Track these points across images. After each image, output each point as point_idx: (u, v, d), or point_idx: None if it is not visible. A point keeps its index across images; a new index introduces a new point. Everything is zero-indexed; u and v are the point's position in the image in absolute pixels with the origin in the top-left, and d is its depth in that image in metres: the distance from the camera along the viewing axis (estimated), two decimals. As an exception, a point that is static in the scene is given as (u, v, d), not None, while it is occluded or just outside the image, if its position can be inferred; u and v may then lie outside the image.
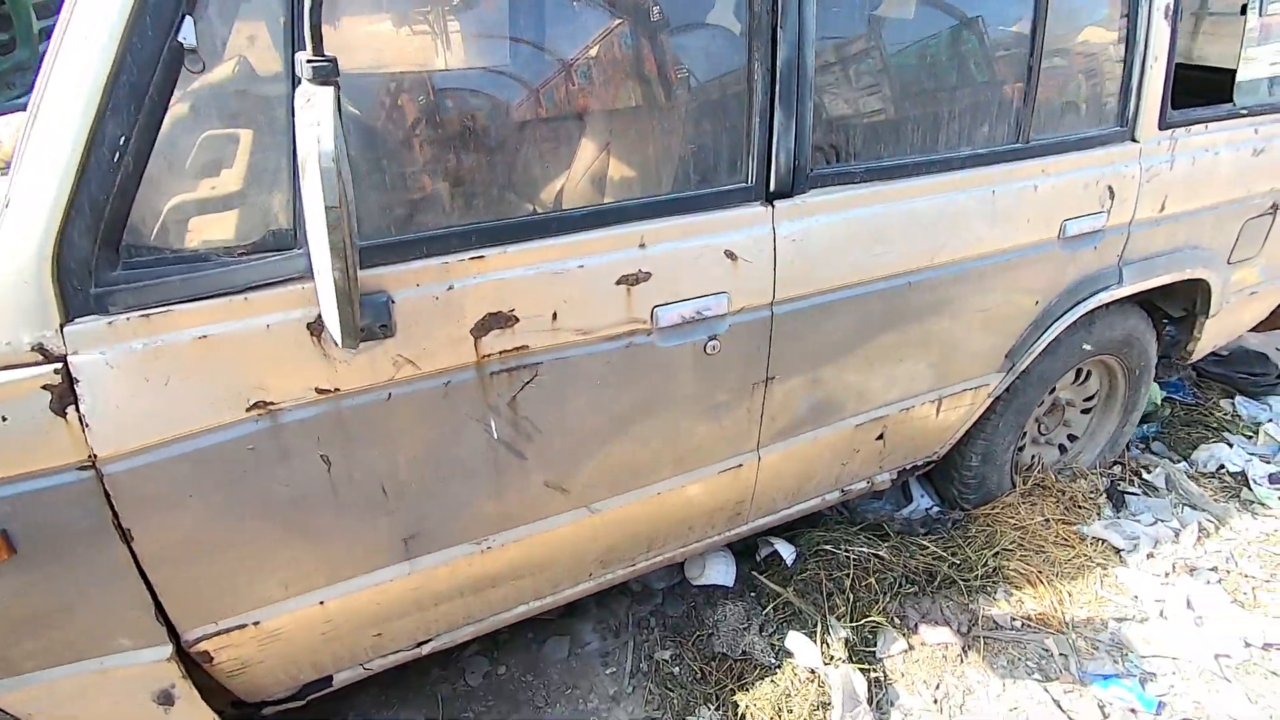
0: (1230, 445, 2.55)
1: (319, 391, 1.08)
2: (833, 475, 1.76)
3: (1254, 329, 2.58)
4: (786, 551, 1.90)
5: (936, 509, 2.15)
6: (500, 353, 1.18)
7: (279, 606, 1.19)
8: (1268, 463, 2.48)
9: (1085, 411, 2.30)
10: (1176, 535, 2.12)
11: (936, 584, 1.85)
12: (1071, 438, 2.34)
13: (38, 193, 0.90)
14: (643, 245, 1.23)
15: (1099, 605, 1.88)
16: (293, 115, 0.90)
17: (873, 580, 1.78)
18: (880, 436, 1.74)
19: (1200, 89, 2.00)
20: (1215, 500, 2.28)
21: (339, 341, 0.88)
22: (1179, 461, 2.49)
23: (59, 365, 0.92)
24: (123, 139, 0.91)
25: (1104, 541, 2.06)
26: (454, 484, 1.25)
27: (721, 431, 1.47)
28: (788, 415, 1.53)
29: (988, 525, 2.04)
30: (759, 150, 1.28)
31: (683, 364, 1.34)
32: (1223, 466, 2.46)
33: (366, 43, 1.19)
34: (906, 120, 1.44)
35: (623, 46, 1.28)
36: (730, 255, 1.30)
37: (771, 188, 1.31)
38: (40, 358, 0.91)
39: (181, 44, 0.90)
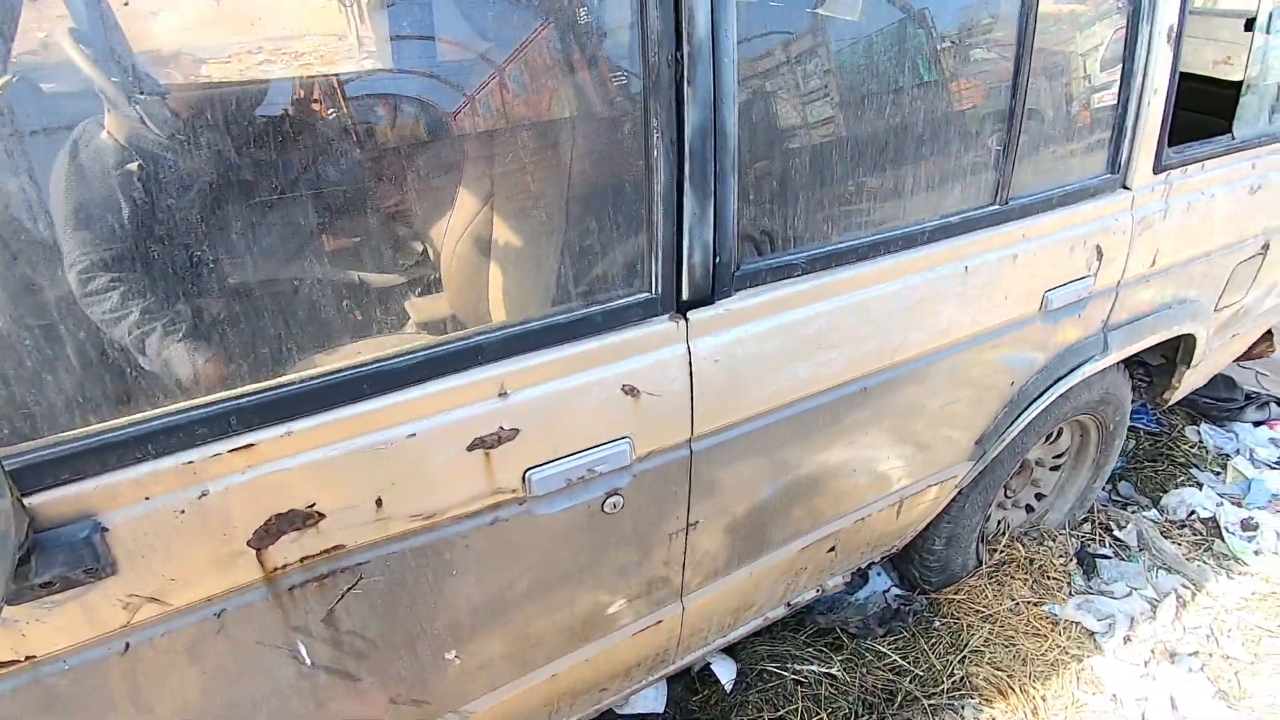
0: (1200, 486, 2.37)
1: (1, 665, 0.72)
2: (776, 596, 1.47)
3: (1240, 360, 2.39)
4: (725, 673, 1.62)
5: (896, 593, 1.90)
6: (302, 560, 0.83)
7: None
8: (1239, 505, 2.31)
9: (1054, 469, 2.06)
10: (1153, 609, 1.92)
11: (898, 704, 1.59)
12: (1039, 496, 2.11)
13: None
14: (504, 394, 0.88)
15: (1076, 712, 1.66)
16: None
17: (824, 715, 1.51)
18: (832, 549, 1.45)
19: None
20: (1189, 559, 2.09)
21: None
22: (1149, 508, 2.30)
23: None
24: None
25: (1077, 625, 1.84)
26: (253, 729, 0.90)
27: (632, 592, 1.15)
28: (717, 558, 1.22)
29: (952, 617, 1.79)
30: (665, 249, 0.94)
31: (574, 529, 1.01)
32: (1194, 513, 2.28)
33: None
34: (861, 188, 1.11)
35: (466, 106, 0.91)
36: (631, 391, 0.96)
37: (684, 295, 0.97)
38: None
39: None
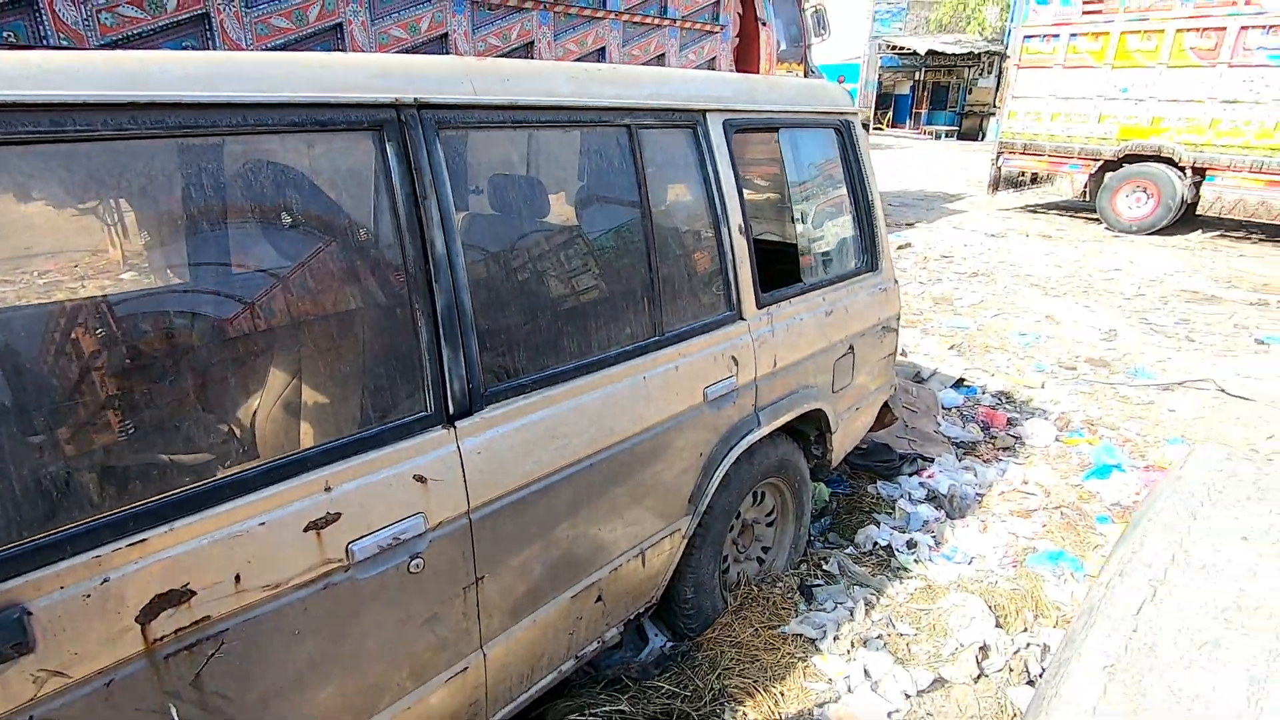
0: (879, 524, 3.22)
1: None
2: (563, 647, 1.87)
3: (873, 431, 3.36)
4: (536, 732, 1.94)
5: (670, 645, 2.37)
6: (176, 632, 1.13)
7: None
8: (904, 532, 3.18)
9: (770, 525, 2.75)
10: (852, 613, 2.59)
11: (674, 721, 2.02)
12: (765, 549, 2.76)
13: None
14: (328, 489, 1.29)
15: (805, 697, 2.20)
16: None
17: (617, 739, 1.89)
18: (599, 599, 1.91)
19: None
20: (874, 575, 2.84)
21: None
22: (846, 547, 3.07)
23: None
24: None
25: (800, 636, 2.44)
26: (128, 794, 1.11)
27: (441, 641, 1.51)
28: (505, 606, 1.63)
29: (710, 650, 2.30)
30: (434, 382, 1.45)
31: (388, 588, 1.39)
32: (876, 543, 3.09)
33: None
34: (563, 334, 1.73)
35: (286, 296, 1.39)
36: (420, 479, 1.41)
37: (451, 411, 1.48)
38: None
39: None
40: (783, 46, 8.46)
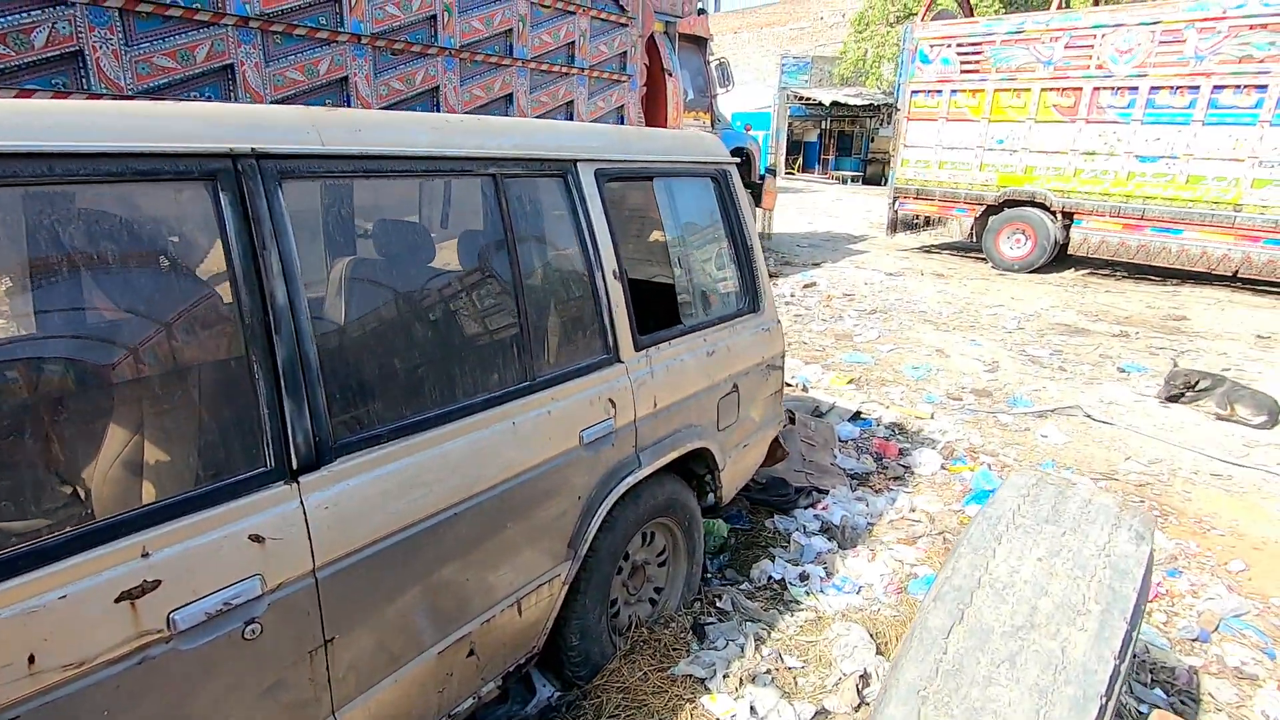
0: (773, 559, 3.28)
1: None
2: (434, 707, 1.80)
3: (766, 466, 3.45)
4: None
5: (557, 695, 2.31)
6: (-50, 725, 1.02)
7: None
8: (797, 565, 3.25)
9: (662, 565, 2.76)
10: (742, 650, 2.61)
11: (554, 777, 1.96)
12: (658, 590, 2.76)
13: None
14: (146, 555, 1.21)
15: (691, 740, 2.19)
16: None
17: (490, 800, 1.82)
18: (471, 653, 1.86)
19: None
20: (766, 610, 2.88)
21: None
22: (742, 583, 3.11)
23: None
24: None
25: (690, 676, 2.44)
26: None
27: (285, 709, 1.43)
28: (360, 668, 1.56)
29: (597, 697, 2.26)
30: (274, 436, 1.40)
31: (220, 658, 1.31)
32: (770, 577, 3.14)
33: None
34: (425, 381, 1.71)
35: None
36: (257, 539, 1.35)
37: (294, 466, 1.42)
38: None
39: None
40: (690, 96, 8.83)
